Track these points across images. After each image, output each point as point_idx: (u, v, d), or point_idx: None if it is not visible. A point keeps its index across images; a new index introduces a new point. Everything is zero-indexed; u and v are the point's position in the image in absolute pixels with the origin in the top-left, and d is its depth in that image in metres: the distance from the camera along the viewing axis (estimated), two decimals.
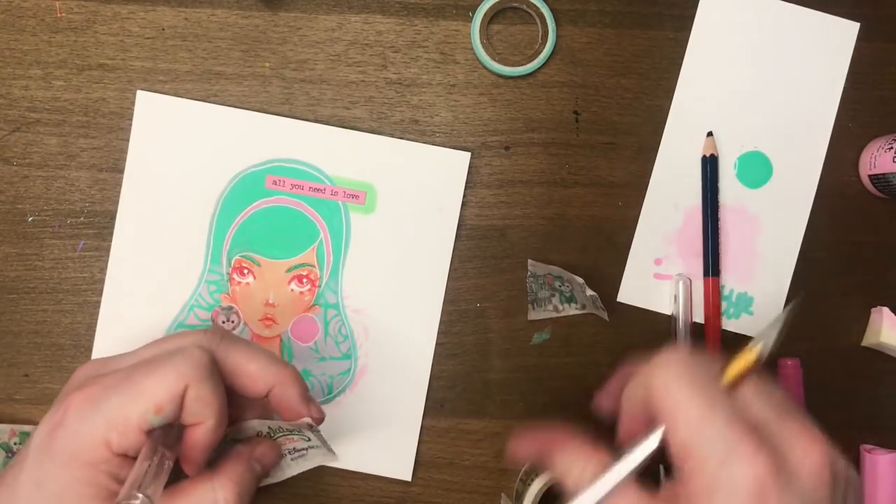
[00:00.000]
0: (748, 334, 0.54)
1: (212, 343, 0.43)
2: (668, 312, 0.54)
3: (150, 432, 0.40)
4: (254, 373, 0.44)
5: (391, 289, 0.53)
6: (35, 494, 0.40)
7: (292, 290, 0.53)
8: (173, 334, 0.45)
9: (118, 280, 0.53)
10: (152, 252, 0.53)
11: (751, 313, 0.54)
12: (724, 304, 0.54)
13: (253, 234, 0.53)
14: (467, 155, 0.53)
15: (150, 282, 0.53)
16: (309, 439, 0.45)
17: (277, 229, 0.53)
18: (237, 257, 0.53)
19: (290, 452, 0.47)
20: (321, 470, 0.53)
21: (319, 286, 0.53)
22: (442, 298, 0.54)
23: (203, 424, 0.41)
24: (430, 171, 0.53)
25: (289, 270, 0.53)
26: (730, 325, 0.54)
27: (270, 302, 0.53)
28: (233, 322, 0.53)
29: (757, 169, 0.54)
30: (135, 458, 0.40)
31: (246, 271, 0.53)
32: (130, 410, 0.40)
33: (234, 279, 0.53)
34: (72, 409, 0.40)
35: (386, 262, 0.53)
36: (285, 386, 0.45)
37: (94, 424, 0.40)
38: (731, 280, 0.54)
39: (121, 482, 0.40)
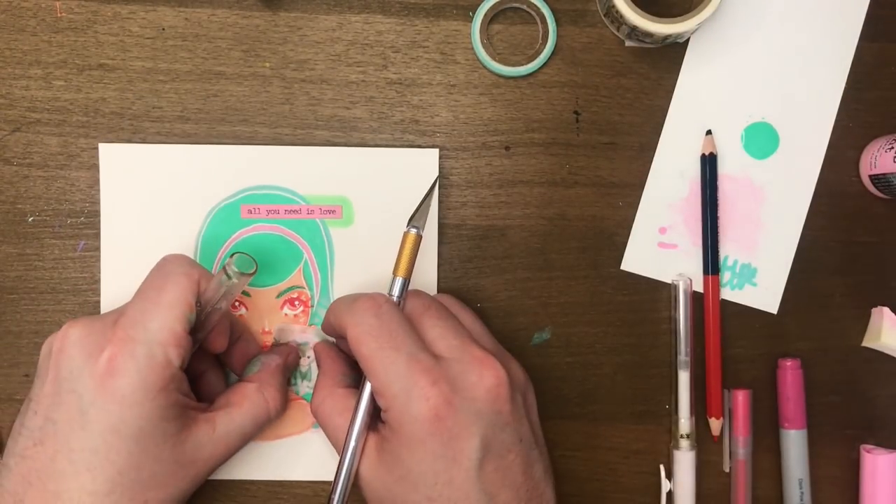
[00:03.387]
0: (752, 306, 0.54)
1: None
2: (670, 281, 0.54)
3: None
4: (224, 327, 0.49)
5: None
6: (118, 443, 0.43)
7: (286, 314, 0.53)
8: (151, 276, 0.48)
9: None
10: None
11: (754, 284, 0.54)
12: (727, 275, 0.54)
13: None
14: (435, 152, 0.53)
15: None
16: None
17: (261, 257, 0.53)
18: None
19: None
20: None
21: (312, 306, 0.53)
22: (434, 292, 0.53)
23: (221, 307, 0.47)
24: (401, 174, 0.53)
25: (279, 296, 0.53)
26: (733, 295, 0.54)
27: (266, 330, 0.53)
28: None
29: (764, 140, 0.54)
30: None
31: (237, 304, 0.53)
32: (173, 323, 0.44)
33: None
34: (118, 356, 0.43)
35: (373, 271, 0.53)
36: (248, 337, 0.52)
37: (151, 354, 0.44)
38: (735, 250, 0.54)
39: (187, 395, 0.46)
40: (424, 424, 0.42)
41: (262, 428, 0.49)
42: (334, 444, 0.47)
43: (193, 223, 0.53)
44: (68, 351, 0.44)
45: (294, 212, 0.53)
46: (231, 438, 0.48)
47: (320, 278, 0.53)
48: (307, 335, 0.53)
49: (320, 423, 0.48)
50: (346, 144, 0.54)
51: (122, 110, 0.53)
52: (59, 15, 0.53)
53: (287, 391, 0.52)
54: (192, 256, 0.53)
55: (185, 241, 0.53)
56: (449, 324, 0.46)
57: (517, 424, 0.45)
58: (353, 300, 0.46)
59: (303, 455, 0.53)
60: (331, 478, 0.47)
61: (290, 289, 0.53)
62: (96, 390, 0.43)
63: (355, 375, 0.50)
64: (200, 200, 0.53)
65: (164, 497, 0.45)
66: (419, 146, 0.54)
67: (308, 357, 0.53)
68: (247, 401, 0.49)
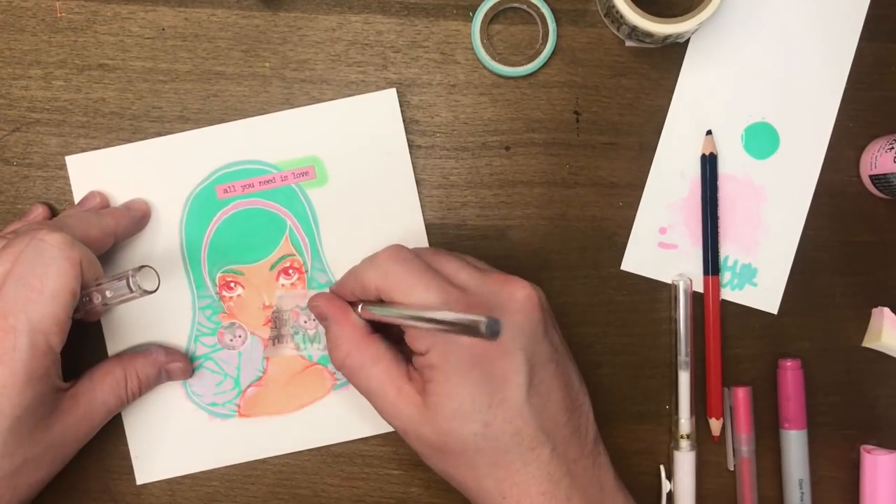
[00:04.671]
0: (752, 306, 0.54)
1: (51, 227, 0.46)
2: (670, 281, 0.54)
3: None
4: (96, 236, 0.48)
5: (375, 247, 0.51)
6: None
7: (283, 284, 0.53)
8: (6, 248, 0.45)
9: (116, 336, 0.53)
10: (137, 304, 0.52)
11: (755, 284, 0.54)
12: (727, 275, 0.54)
13: (224, 247, 0.53)
14: (393, 91, 0.53)
15: (148, 331, 0.53)
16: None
17: (246, 233, 0.53)
18: (219, 274, 0.53)
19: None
20: (321, 471, 0.53)
21: (307, 271, 0.53)
22: (425, 236, 0.53)
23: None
24: (363, 122, 0.53)
25: (272, 268, 0.53)
26: (734, 295, 0.54)
27: (267, 304, 0.53)
28: (240, 336, 0.53)
29: (764, 140, 0.54)
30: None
31: (233, 284, 0.53)
32: (57, 311, 0.44)
33: (224, 296, 0.53)
34: (2, 346, 0.42)
35: (360, 225, 0.53)
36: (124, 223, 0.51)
37: (33, 343, 0.43)
38: (735, 250, 0.54)
39: (59, 376, 0.46)
40: (471, 350, 0.42)
41: (123, 405, 0.50)
42: (369, 396, 0.46)
43: (173, 214, 0.53)
44: None
45: (268, 182, 0.53)
46: (95, 416, 0.48)
47: (308, 242, 0.53)
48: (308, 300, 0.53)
49: (350, 376, 0.47)
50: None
51: (122, 110, 0.53)
52: (59, 15, 0.53)
53: (151, 387, 0.51)
54: (177, 248, 0.53)
55: (168, 234, 0.53)
56: (461, 260, 0.47)
57: (551, 334, 0.46)
58: (371, 257, 0.46)
59: (327, 419, 0.53)
60: (360, 435, 0.49)
61: (282, 258, 0.53)
62: None
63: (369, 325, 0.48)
64: (175, 190, 0.53)
65: (35, 481, 0.46)
66: (419, 146, 0.54)
67: (313, 320, 0.53)
68: (109, 377, 0.49)
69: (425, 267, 0.45)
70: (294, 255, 0.53)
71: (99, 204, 0.52)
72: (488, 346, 0.43)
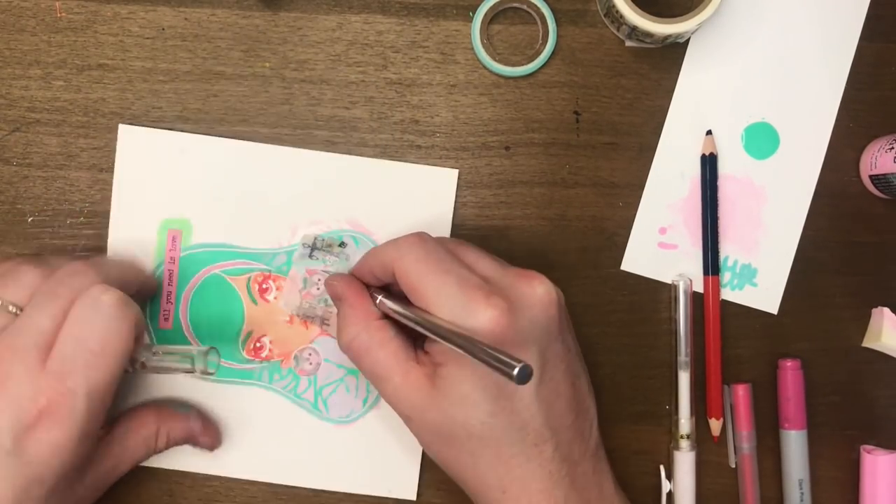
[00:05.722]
0: (752, 306, 0.54)
1: (98, 277, 0.45)
2: (670, 281, 0.54)
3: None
4: (132, 279, 0.49)
5: None
6: (38, 491, 0.42)
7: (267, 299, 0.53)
8: (53, 300, 0.44)
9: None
10: None
11: (755, 285, 0.54)
12: (727, 275, 0.54)
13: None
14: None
15: None
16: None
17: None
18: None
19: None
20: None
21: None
22: None
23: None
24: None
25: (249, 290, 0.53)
26: (734, 296, 0.54)
27: (288, 319, 0.53)
28: (309, 357, 0.53)
29: (764, 140, 0.54)
30: None
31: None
32: (115, 373, 0.43)
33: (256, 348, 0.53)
34: (56, 409, 0.42)
35: None
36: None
37: (90, 407, 0.42)
38: (735, 250, 0.54)
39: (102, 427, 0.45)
40: (487, 336, 0.42)
41: (149, 457, 0.50)
42: (374, 380, 0.46)
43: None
44: None
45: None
46: (124, 466, 0.48)
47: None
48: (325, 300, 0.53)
49: (356, 358, 0.46)
50: (345, 143, 0.54)
51: (121, 110, 0.53)
52: (58, 15, 0.53)
53: (174, 446, 0.51)
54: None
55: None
56: (483, 252, 0.47)
57: (565, 334, 0.46)
58: (393, 240, 0.46)
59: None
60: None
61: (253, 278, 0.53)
62: (25, 441, 0.42)
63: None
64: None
65: None
66: (419, 146, 0.54)
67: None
68: (144, 430, 0.49)
69: (446, 252, 0.45)
70: (266, 269, 0.53)
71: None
72: (506, 333, 0.42)
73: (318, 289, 0.52)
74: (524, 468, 0.44)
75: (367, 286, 0.49)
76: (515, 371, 0.37)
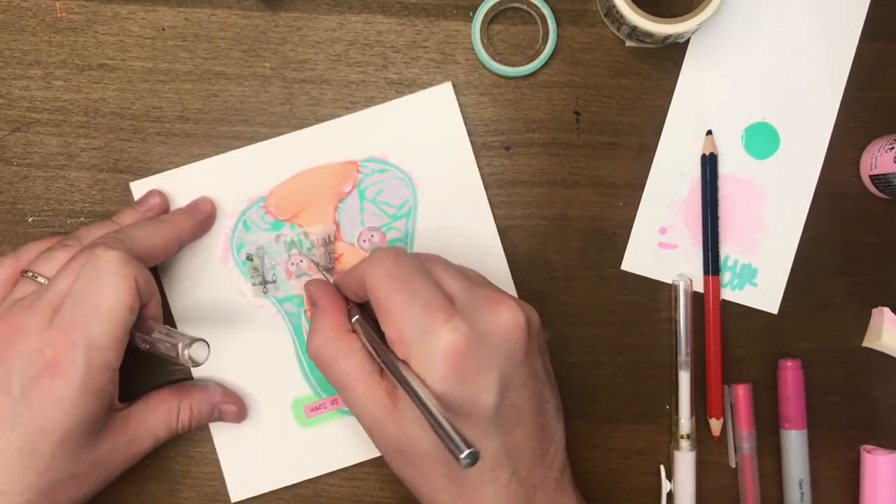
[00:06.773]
0: (752, 306, 0.54)
1: (116, 242, 0.46)
2: (670, 281, 0.54)
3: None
4: (160, 246, 0.49)
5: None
6: (44, 445, 0.43)
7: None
8: (69, 264, 0.46)
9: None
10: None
11: (755, 284, 0.54)
12: (727, 275, 0.54)
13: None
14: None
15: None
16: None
17: None
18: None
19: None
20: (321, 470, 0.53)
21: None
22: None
23: (152, 299, 0.47)
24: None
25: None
26: (734, 296, 0.54)
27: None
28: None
29: (764, 140, 0.54)
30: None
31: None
32: (114, 328, 0.44)
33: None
34: (59, 360, 0.43)
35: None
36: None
37: (91, 358, 0.43)
38: (736, 250, 0.54)
39: (114, 393, 0.46)
40: (444, 360, 0.42)
41: (172, 435, 0.50)
42: (338, 389, 0.46)
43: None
44: (4, 353, 0.44)
45: None
46: (143, 441, 0.48)
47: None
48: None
49: (322, 366, 0.47)
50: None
51: (122, 110, 0.53)
52: (59, 15, 0.53)
53: (202, 423, 0.51)
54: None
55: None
56: (458, 269, 0.46)
57: (532, 360, 0.45)
58: (370, 254, 0.46)
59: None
60: None
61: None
62: (31, 391, 0.43)
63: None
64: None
65: (77, 496, 0.46)
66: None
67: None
68: (164, 405, 0.49)
69: (417, 269, 0.45)
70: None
71: (159, 205, 0.52)
72: (466, 358, 0.42)
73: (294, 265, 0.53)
74: (478, 492, 0.44)
75: (348, 301, 0.49)
76: (463, 455, 0.38)
